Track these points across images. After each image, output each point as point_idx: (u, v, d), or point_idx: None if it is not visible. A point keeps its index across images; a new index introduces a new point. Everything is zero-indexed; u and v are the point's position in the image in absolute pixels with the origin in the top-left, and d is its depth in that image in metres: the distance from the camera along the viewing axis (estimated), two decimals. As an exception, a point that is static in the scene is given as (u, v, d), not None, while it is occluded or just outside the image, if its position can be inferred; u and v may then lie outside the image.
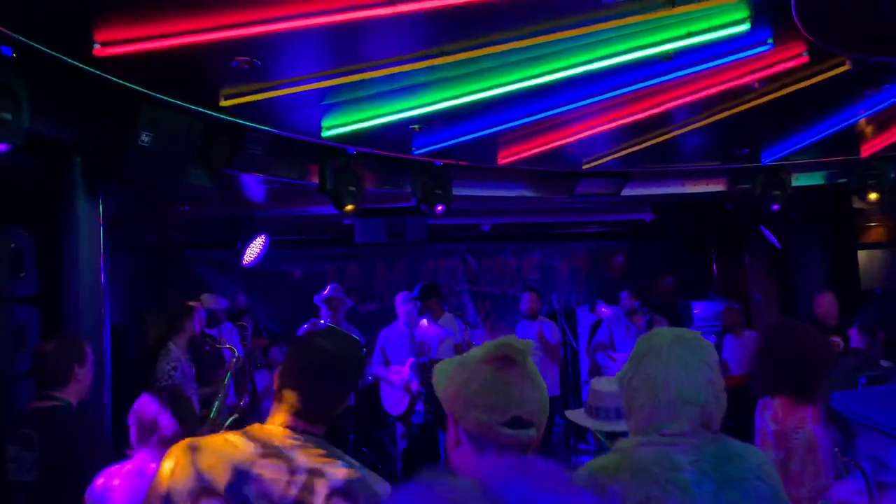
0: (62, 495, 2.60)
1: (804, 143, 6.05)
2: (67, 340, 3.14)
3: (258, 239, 6.66)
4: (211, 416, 4.86)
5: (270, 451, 1.67)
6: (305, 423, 1.75)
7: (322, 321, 5.87)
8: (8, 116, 3.16)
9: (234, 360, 5.01)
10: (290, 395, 1.76)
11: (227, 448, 1.67)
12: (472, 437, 1.39)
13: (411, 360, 6.10)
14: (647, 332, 5.81)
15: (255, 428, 1.74)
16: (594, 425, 2.58)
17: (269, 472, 1.63)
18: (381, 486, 1.71)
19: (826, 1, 3.39)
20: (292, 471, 1.64)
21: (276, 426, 1.74)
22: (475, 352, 1.46)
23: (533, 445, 1.41)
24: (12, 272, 3.88)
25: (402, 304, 6.29)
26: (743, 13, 3.56)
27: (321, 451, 1.70)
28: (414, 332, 6.25)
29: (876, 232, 9.48)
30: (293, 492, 1.61)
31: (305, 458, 1.67)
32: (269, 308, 8.16)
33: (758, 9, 3.56)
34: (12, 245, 3.89)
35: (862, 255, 8.84)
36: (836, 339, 5.97)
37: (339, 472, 1.67)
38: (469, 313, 8.65)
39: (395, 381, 6.17)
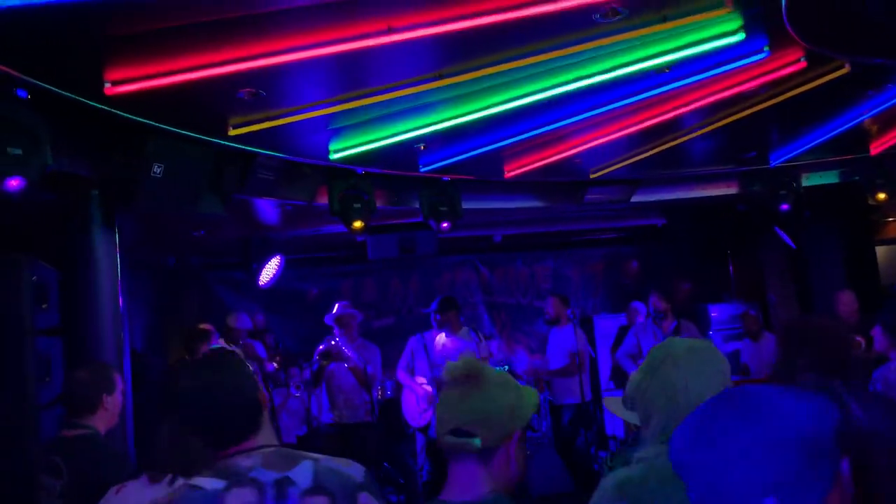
0: (90, 523, 2.65)
1: (812, 144, 6.04)
2: (97, 368, 3.16)
3: (273, 259, 6.78)
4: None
5: (236, 479, 1.68)
6: (243, 441, 1.77)
7: (336, 339, 5.95)
8: (19, 152, 3.26)
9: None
10: (208, 431, 1.80)
11: (192, 496, 1.69)
12: (445, 452, 1.58)
13: (428, 375, 6.17)
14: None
15: (215, 463, 1.76)
16: (629, 417, 2.61)
17: (240, 500, 1.66)
18: (354, 469, 1.76)
19: (818, 8, 3.43)
20: (261, 489, 1.67)
21: (228, 456, 1.76)
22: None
23: (490, 451, 1.56)
24: (35, 304, 4.01)
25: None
26: (735, 24, 3.60)
27: (282, 459, 1.74)
28: (431, 345, 6.32)
29: (894, 227, 9.40)
30: None
31: (269, 471, 1.71)
32: (287, 326, 8.27)
33: (751, 19, 3.60)
34: (34, 278, 4.01)
35: (881, 250, 8.77)
36: (858, 338, 5.93)
37: (305, 472, 1.71)
38: (485, 324, 8.70)
39: (420, 393, 6.23)
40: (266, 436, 1.81)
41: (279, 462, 1.73)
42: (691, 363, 1.67)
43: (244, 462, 1.72)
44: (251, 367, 1.99)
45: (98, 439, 2.90)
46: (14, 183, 3.26)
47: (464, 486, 1.55)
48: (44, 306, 4.01)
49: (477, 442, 1.52)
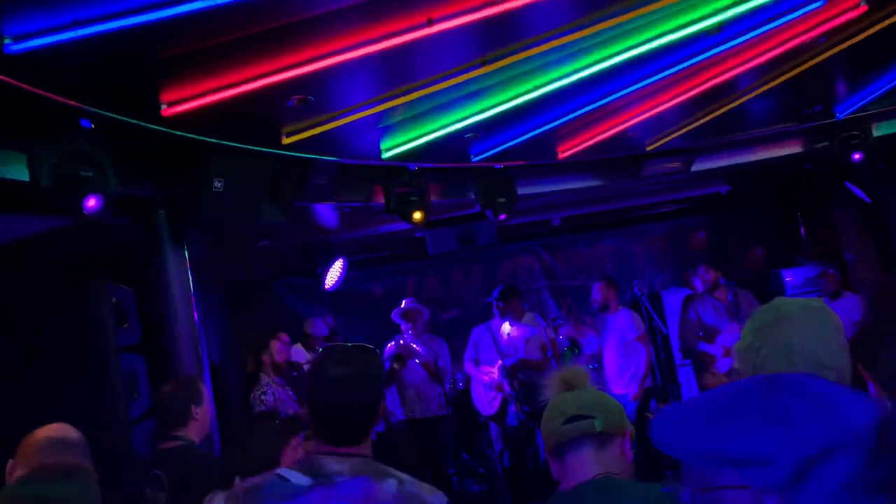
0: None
1: (880, 92, 5.75)
2: (183, 381, 3.26)
3: (337, 263, 6.89)
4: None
5: (322, 481, 1.71)
6: (343, 444, 1.78)
7: (405, 336, 6.02)
8: (91, 174, 3.40)
9: None
10: (320, 423, 1.82)
11: (278, 486, 1.72)
12: (553, 452, 1.61)
13: (499, 363, 6.16)
14: (735, 307, 5.53)
15: (306, 458, 1.79)
16: None
17: (319, 500, 1.68)
18: (435, 498, 1.75)
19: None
20: (343, 497, 1.69)
21: (322, 454, 1.78)
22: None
23: (607, 437, 1.59)
24: (117, 324, 4.20)
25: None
26: (788, -27, 3.45)
27: (369, 472, 1.74)
28: (497, 334, 6.31)
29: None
30: None
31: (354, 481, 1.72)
32: (356, 327, 8.38)
33: (804, -34, 3.44)
34: (114, 299, 4.20)
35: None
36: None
37: (388, 489, 1.72)
38: (550, 309, 8.61)
39: (485, 381, 6.24)
40: (366, 447, 1.83)
41: (364, 472, 1.74)
42: (806, 322, 1.61)
43: (334, 465, 1.74)
44: None
45: (194, 449, 2.99)
46: (92, 203, 3.41)
47: (579, 473, 1.58)
48: (125, 325, 4.20)
49: (598, 423, 1.57)
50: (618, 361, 6.42)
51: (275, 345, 5.30)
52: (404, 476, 1.78)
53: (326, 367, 1.84)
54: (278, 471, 1.75)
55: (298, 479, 1.71)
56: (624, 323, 6.46)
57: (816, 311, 1.65)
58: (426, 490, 1.76)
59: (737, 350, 1.72)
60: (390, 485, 1.72)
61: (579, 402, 1.63)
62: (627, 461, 1.63)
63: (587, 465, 1.58)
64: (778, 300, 1.73)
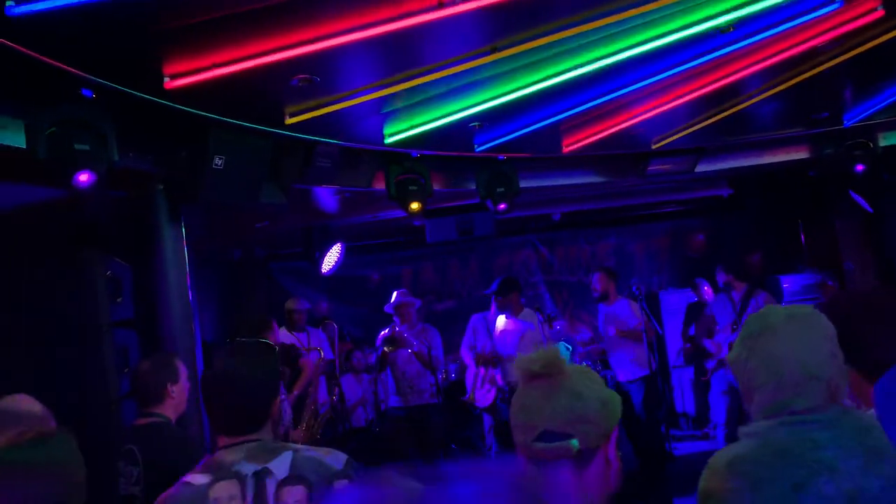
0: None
1: (890, 101, 5.71)
2: (160, 359, 3.22)
3: (335, 247, 6.85)
4: (302, 421, 5.08)
5: (220, 474, 1.77)
6: (240, 434, 1.84)
7: (397, 328, 6.01)
8: (86, 148, 3.34)
9: (319, 361, 5.19)
10: (213, 416, 1.90)
11: (184, 491, 1.78)
12: (528, 461, 1.39)
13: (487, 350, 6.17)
14: (744, 303, 5.52)
15: (207, 459, 1.86)
16: None
17: (224, 492, 1.74)
18: (333, 458, 1.82)
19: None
20: (242, 482, 1.75)
21: (220, 448, 1.84)
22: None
23: (588, 453, 1.36)
24: (111, 299, 4.15)
25: None
26: (805, -27, 3.40)
27: (264, 452, 1.81)
28: (493, 328, 6.29)
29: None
30: (249, 500, 1.74)
31: (251, 464, 1.78)
32: (350, 313, 8.37)
33: (822, -33, 3.39)
34: (108, 273, 4.15)
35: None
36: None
37: (283, 462, 1.78)
38: (546, 304, 8.59)
39: (480, 373, 6.24)
40: (264, 431, 1.87)
41: (261, 454, 1.80)
42: (792, 332, 1.56)
43: (229, 456, 1.80)
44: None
45: (168, 427, 2.97)
46: (84, 178, 3.36)
47: (559, 497, 1.35)
48: (118, 300, 4.15)
49: (575, 443, 1.33)
50: (623, 349, 6.41)
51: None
52: (300, 446, 1.86)
53: (217, 360, 1.92)
54: (184, 479, 1.81)
55: (199, 479, 1.78)
56: (623, 311, 6.46)
57: (804, 318, 1.59)
58: (324, 452, 1.84)
59: (729, 361, 1.68)
60: (284, 457, 1.79)
61: (552, 411, 1.35)
62: (613, 468, 1.40)
63: (567, 489, 1.36)
64: (766, 308, 1.68)
